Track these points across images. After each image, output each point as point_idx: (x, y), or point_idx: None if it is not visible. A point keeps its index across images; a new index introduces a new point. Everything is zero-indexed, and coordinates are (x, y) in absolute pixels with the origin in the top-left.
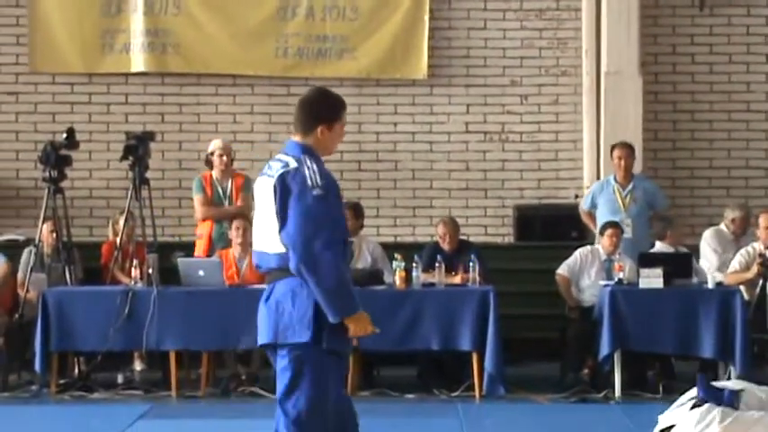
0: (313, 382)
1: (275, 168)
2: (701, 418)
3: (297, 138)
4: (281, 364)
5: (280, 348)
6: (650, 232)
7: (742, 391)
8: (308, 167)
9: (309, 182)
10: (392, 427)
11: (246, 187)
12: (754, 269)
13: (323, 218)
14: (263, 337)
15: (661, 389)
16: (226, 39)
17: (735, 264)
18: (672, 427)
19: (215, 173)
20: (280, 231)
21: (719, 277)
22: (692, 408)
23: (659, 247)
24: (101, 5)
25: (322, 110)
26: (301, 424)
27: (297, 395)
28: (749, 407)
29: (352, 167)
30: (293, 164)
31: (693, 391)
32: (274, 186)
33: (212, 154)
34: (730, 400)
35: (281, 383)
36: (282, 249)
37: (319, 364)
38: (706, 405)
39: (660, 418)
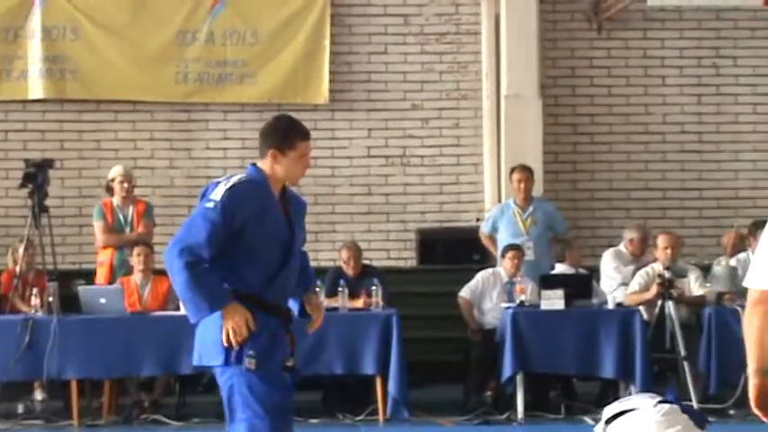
0: (245, 405)
1: None
2: (668, 412)
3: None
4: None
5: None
6: (551, 254)
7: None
8: (226, 183)
9: (213, 194)
10: None
11: (148, 213)
12: (654, 289)
13: (198, 226)
14: (194, 360)
15: (563, 409)
16: (125, 64)
17: (634, 284)
18: (624, 412)
19: (116, 200)
20: None
21: (619, 298)
22: (659, 403)
23: (560, 268)
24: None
25: (273, 135)
26: None
27: (236, 421)
28: None
29: None
30: (223, 178)
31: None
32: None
33: (113, 181)
34: (700, 419)
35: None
36: None
37: (246, 386)
38: (673, 406)
39: (607, 408)
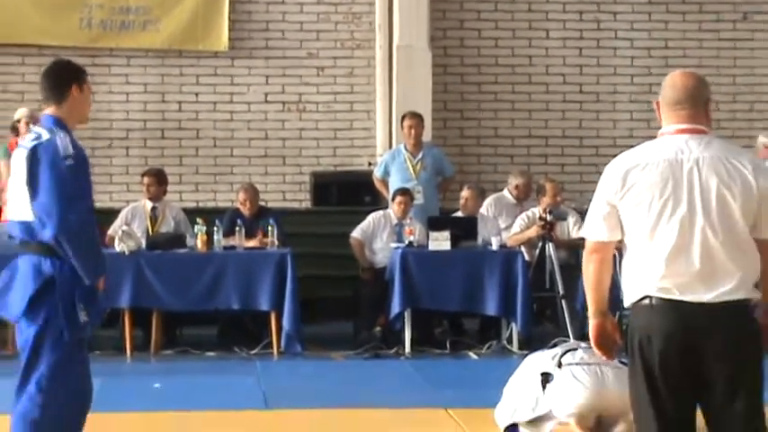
0: (54, 346)
1: (29, 140)
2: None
3: (50, 110)
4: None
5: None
6: (439, 197)
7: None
8: (61, 138)
9: (62, 152)
10: (193, 385)
11: None
12: (533, 230)
13: (76, 187)
14: None
15: (448, 345)
16: (31, 9)
17: (515, 227)
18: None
19: (21, 140)
20: (31, 201)
21: (502, 240)
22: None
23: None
24: None
25: (70, 72)
26: (49, 388)
27: (42, 359)
28: None
29: (156, 135)
30: (46, 135)
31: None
32: (27, 158)
33: (18, 122)
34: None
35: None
36: (28, 218)
37: (58, 332)
38: (594, 366)
39: (563, 352)
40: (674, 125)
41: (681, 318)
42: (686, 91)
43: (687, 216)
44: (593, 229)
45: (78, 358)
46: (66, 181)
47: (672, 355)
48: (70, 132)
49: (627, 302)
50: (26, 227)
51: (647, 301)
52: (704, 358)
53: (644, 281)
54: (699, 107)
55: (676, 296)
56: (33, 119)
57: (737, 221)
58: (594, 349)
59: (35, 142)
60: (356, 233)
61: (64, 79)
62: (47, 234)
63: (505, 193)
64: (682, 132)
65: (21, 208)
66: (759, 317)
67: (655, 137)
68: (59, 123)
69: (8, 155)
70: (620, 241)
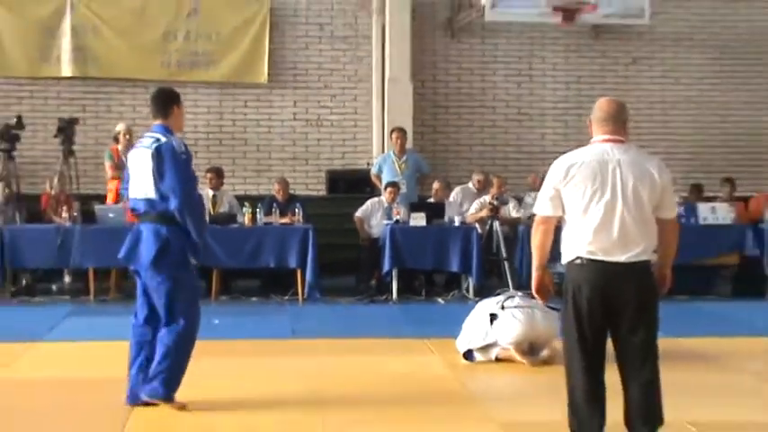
0: (185, 288)
1: (148, 143)
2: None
3: (158, 122)
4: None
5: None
6: (417, 188)
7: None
8: (175, 140)
9: (178, 149)
10: (242, 322)
11: None
12: (484, 212)
13: (191, 174)
14: (120, 253)
15: (423, 293)
16: (128, 53)
17: (472, 209)
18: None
19: (120, 147)
20: (158, 184)
21: (463, 218)
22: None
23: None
24: (42, 30)
25: (172, 96)
26: (188, 316)
27: (180, 297)
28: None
29: (216, 143)
30: (163, 138)
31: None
32: (152, 154)
33: (119, 133)
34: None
35: (160, 297)
36: (151, 196)
37: (186, 276)
38: (528, 308)
39: (505, 299)
40: (602, 136)
41: (603, 273)
42: (610, 113)
43: (610, 201)
44: (542, 207)
45: (198, 300)
46: (184, 169)
47: (596, 300)
48: (175, 136)
49: (563, 261)
50: (149, 202)
51: (578, 260)
52: (618, 301)
53: (577, 246)
54: (619, 124)
55: (599, 257)
56: (129, 131)
57: (645, 206)
58: (535, 294)
59: (156, 144)
60: (358, 213)
61: (168, 101)
62: (172, 205)
63: (470, 185)
64: (607, 141)
65: (144, 189)
66: (655, 272)
67: (571, 148)
68: (169, 130)
69: (111, 158)
70: (560, 218)
